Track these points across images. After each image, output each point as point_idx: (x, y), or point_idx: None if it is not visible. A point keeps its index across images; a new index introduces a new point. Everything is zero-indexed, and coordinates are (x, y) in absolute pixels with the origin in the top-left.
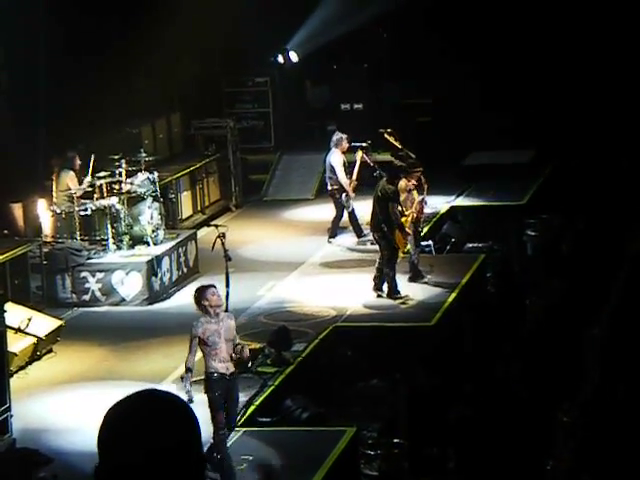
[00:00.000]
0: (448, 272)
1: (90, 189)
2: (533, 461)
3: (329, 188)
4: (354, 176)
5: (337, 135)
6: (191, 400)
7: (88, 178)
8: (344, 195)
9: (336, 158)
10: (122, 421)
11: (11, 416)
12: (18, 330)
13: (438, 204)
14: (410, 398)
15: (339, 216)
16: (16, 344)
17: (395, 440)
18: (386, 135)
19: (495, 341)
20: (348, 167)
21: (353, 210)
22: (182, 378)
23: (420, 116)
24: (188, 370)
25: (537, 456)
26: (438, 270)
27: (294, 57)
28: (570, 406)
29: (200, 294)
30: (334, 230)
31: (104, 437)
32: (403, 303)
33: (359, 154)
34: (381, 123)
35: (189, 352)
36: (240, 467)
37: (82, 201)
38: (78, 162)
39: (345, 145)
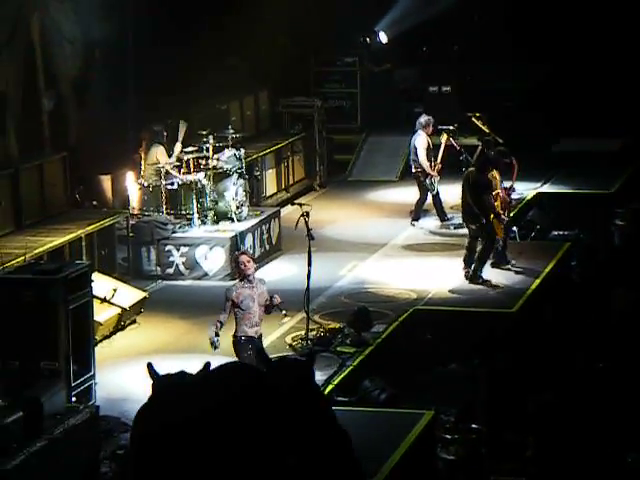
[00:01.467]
0: (532, 259)
1: (178, 163)
2: (614, 453)
3: (413, 170)
4: (439, 159)
5: (423, 117)
6: (215, 346)
7: (178, 146)
8: (428, 178)
9: (420, 140)
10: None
11: (95, 384)
12: (104, 300)
13: (525, 190)
14: (489, 383)
15: (423, 199)
16: (102, 314)
17: (473, 425)
18: (474, 119)
19: (577, 331)
20: (433, 150)
21: (438, 193)
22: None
23: (510, 100)
24: (218, 322)
25: (618, 448)
26: (522, 257)
27: (384, 38)
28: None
29: (237, 258)
30: (417, 213)
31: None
32: (485, 289)
33: (444, 137)
34: (469, 106)
35: (223, 311)
36: None
37: (169, 175)
38: (165, 136)
39: (431, 128)
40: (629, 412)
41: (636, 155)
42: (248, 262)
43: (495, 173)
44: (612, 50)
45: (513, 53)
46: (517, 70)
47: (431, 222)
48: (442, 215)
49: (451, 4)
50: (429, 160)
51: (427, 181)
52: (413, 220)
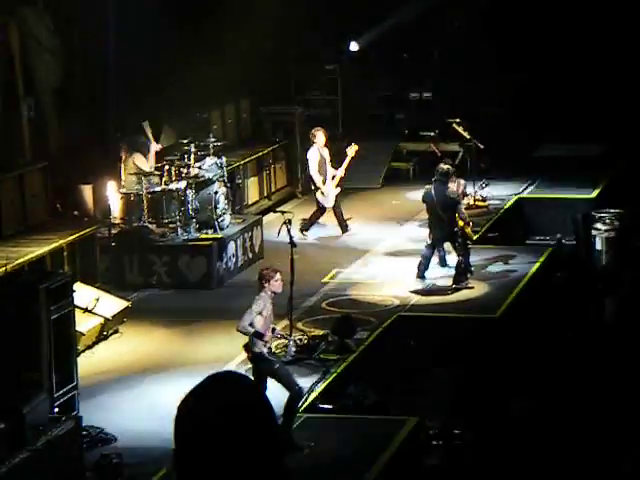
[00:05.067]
0: (514, 265)
1: (158, 172)
2: (608, 461)
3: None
4: (341, 170)
5: (312, 130)
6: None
7: (154, 146)
8: (318, 191)
9: (312, 154)
10: (197, 402)
11: (78, 394)
12: (86, 310)
13: (506, 196)
14: (473, 390)
15: (319, 212)
16: (84, 324)
17: (457, 431)
18: (454, 125)
19: (561, 334)
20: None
21: (336, 206)
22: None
23: (491, 106)
24: (273, 330)
25: (613, 455)
26: (505, 262)
27: (354, 47)
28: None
29: (268, 276)
30: (310, 223)
31: (181, 422)
32: (468, 294)
33: (352, 148)
34: (450, 112)
35: (256, 324)
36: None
37: (150, 183)
38: (146, 145)
39: (321, 140)
40: (614, 416)
41: (617, 160)
42: (277, 282)
43: (460, 181)
44: (592, 56)
45: (494, 59)
46: (498, 76)
47: (414, 229)
48: (344, 227)
49: (431, 10)
50: (323, 174)
51: (318, 195)
52: (303, 230)
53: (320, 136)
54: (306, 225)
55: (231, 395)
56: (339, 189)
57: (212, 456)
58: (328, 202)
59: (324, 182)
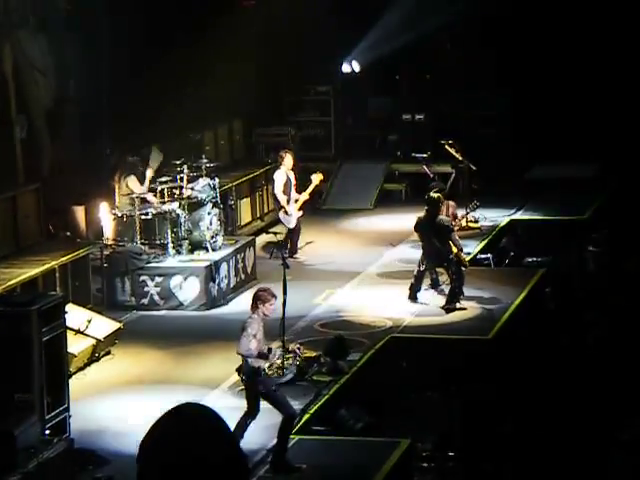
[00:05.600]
0: (507, 286)
1: (151, 193)
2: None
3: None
4: (304, 195)
5: (281, 152)
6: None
7: (149, 172)
8: (282, 211)
9: (278, 175)
10: (163, 428)
11: (69, 416)
12: (78, 331)
13: (498, 217)
14: (465, 411)
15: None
16: (75, 345)
17: (450, 453)
18: (447, 146)
19: (553, 356)
20: (291, 184)
21: (296, 228)
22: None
23: (483, 128)
24: (269, 350)
25: (594, 475)
26: (497, 284)
27: (356, 67)
28: (631, 424)
29: (264, 298)
30: (294, 247)
31: (147, 443)
32: (461, 316)
33: (317, 176)
34: (443, 134)
35: (254, 347)
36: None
37: (143, 204)
38: (137, 165)
39: (289, 162)
40: (606, 437)
41: (609, 181)
42: (272, 306)
43: (450, 203)
44: (585, 78)
45: (485, 81)
46: (489, 98)
47: (406, 250)
48: (293, 250)
49: (424, 33)
50: (287, 195)
51: (280, 214)
52: (293, 254)
53: (289, 158)
54: (292, 249)
55: (192, 440)
56: (301, 212)
57: None
58: (290, 223)
59: (288, 202)
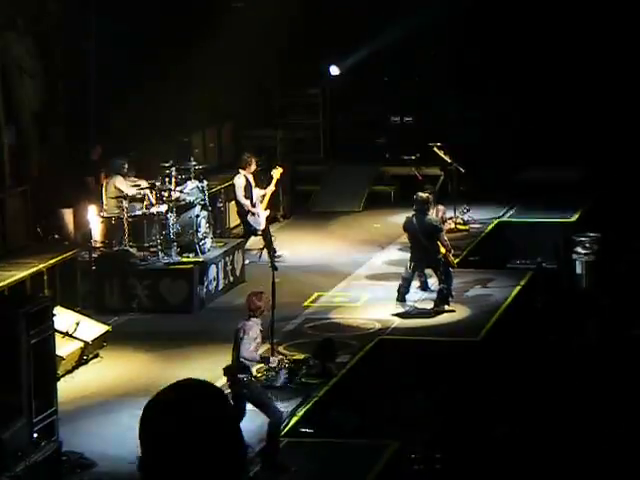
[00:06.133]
0: (495, 288)
1: (139, 195)
2: None
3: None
4: (269, 189)
5: (245, 156)
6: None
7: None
8: (249, 215)
9: (237, 180)
10: (160, 402)
11: (57, 419)
12: (66, 334)
13: (487, 219)
14: (454, 414)
15: (246, 238)
16: (64, 348)
17: (438, 455)
18: (435, 149)
19: (542, 358)
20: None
21: (266, 230)
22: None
23: (472, 130)
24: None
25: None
26: (485, 286)
27: (335, 71)
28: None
29: (258, 298)
30: (272, 247)
31: (146, 424)
32: (450, 318)
33: (276, 170)
34: (431, 137)
35: (256, 350)
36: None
37: (131, 207)
38: (126, 167)
39: (252, 167)
40: (596, 439)
41: (597, 184)
42: (267, 300)
43: (439, 207)
44: (572, 81)
45: (473, 84)
46: (478, 100)
47: (394, 252)
48: (272, 251)
49: (410, 35)
50: (248, 198)
51: (249, 218)
52: (274, 257)
53: (253, 163)
54: (272, 252)
55: (197, 410)
56: (269, 212)
57: (176, 468)
58: (259, 224)
59: (253, 205)
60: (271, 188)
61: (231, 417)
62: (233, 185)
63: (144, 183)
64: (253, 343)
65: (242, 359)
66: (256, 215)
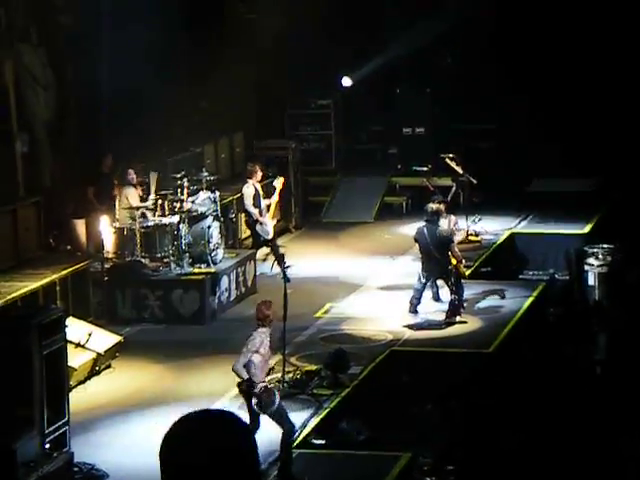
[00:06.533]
0: (507, 300)
1: (152, 207)
2: None
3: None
4: (274, 197)
5: (249, 166)
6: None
7: (152, 196)
8: (258, 224)
9: (246, 190)
10: (181, 433)
11: (69, 430)
12: (78, 345)
13: (499, 231)
14: (466, 425)
15: (257, 246)
16: (76, 359)
17: (450, 467)
18: (447, 160)
19: (554, 370)
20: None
21: (274, 238)
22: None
23: (483, 142)
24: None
25: None
26: (498, 297)
27: (347, 82)
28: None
29: (266, 307)
30: (280, 256)
31: (165, 450)
32: (462, 329)
33: (278, 180)
34: (443, 148)
35: (251, 364)
36: None
37: (143, 218)
38: (136, 178)
39: (259, 175)
40: (614, 449)
41: (609, 195)
42: (272, 308)
43: (451, 218)
44: (585, 92)
45: (486, 95)
46: (490, 112)
47: (408, 262)
48: (281, 260)
49: (424, 46)
50: (257, 207)
51: (257, 227)
52: (284, 268)
53: (259, 172)
54: (281, 262)
55: (219, 441)
56: (276, 220)
57: None
58: (268, 233)
59: (261, 214)
60: (275, 198)
61: (251, 447)
62: (242, 195)
63: (152, 195)
64: (248, 355)
65: (232, 370)
66: (264, 224)
